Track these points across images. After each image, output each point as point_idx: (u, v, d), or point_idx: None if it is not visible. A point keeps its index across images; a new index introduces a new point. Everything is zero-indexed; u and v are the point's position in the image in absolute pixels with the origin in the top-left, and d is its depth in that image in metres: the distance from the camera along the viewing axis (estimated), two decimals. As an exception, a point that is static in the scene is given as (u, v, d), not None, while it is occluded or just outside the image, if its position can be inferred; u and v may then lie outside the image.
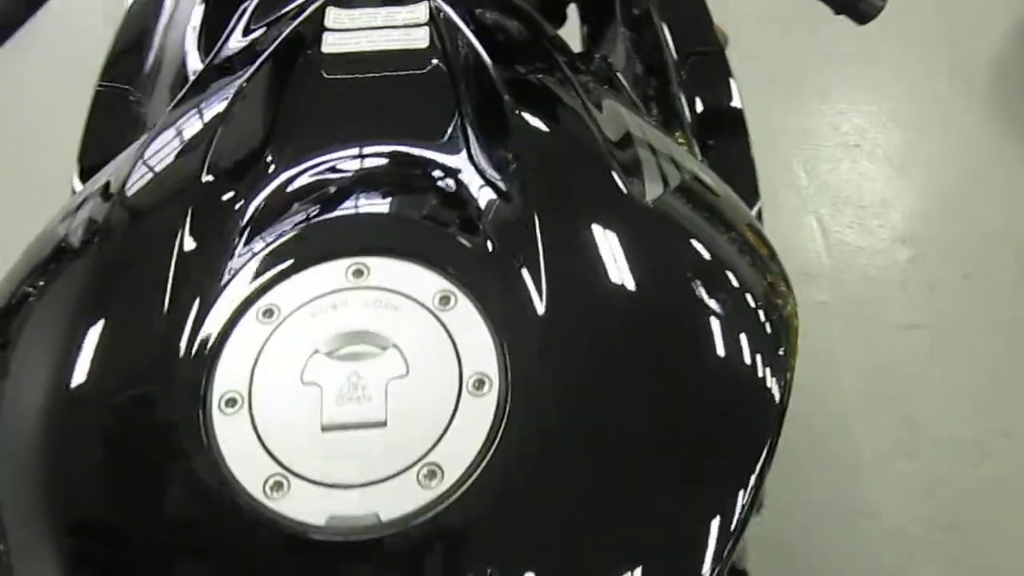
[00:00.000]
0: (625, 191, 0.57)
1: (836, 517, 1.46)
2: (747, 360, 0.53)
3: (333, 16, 0.69)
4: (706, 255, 0.56)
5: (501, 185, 0.57)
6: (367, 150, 0.60)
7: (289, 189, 0.58)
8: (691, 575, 0.47)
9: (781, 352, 0.54)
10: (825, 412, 1.57)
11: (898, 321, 1.71)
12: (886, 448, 1.54)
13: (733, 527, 0.48)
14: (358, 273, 0.52)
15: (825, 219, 1.88)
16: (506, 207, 0.56)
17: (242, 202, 0.57)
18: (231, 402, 0.48)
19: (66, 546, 0.48)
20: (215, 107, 0.64)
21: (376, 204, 0.57)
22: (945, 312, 1.72)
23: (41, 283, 0.56)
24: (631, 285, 0.53)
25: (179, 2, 0.96)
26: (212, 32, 0.86)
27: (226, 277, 0.53)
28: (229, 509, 0.46)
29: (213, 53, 0.74)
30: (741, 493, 0.49)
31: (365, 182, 0.58)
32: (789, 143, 2.01)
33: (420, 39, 0.67)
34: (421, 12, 0.69)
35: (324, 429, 0.47)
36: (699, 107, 0.90)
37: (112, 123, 0.88)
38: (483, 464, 0.46)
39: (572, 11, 1.05)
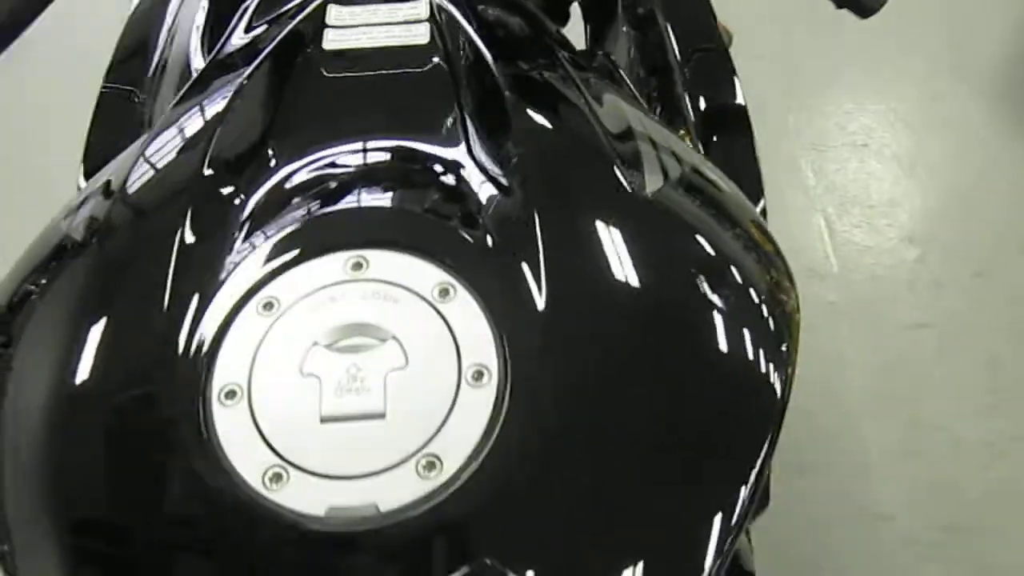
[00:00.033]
0: (626, 185, 0.57)
1: (843, 516, 1.46)
2: (749, 355, 0.53)
3: (334, 13, 0.69)
4: (708, 249, 0.56)
5: (501, 179, 0.57)
6: (367, 145, 0.60)
7: (289, 184, 0.58)
8: (691, 569, 0.47)
9: (784, 348, 0.54)
10: (833, 411, 1.56)
11: (906, 320, 1.70)
12: (894, 448, 1.53)
13: (734, 521, 0.47)
14: (357, 266, 0.52)
15: (832, 219, 1.87)
16: (506, 201, 0.56)
17: (242, 197, 0.57)
18: (231, 394, 0.48)
19: (67, 537, 0.48)
20: (216, 104, 0.64)
21: (376, 198, 0.57)
22: (953, 311, 1.71)
23: (43, 281, 0.57)
24: (632, 279, 0.53)
25: (184, 3, 0.96)
26: (216, 32, 0.87)
27: (226, 271, 0.53)
28: (228, 501, 0.46)
29: (215, 51, 0.75)
30: (742, 487, 0.48)
31: (365, 177, 0.58)
32: (796, 143, 2.01)
33: (421, 35, 0.67)
34: (422, 8, 0.69)
35: (323, 421, 0.47)
36: (702, 105, 0.90)
37: (116, 124, 0.88)
38: (482, 455, 0.46)
39: (575, 10, 1.05)
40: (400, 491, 0.45)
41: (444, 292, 0.51)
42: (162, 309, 0.52)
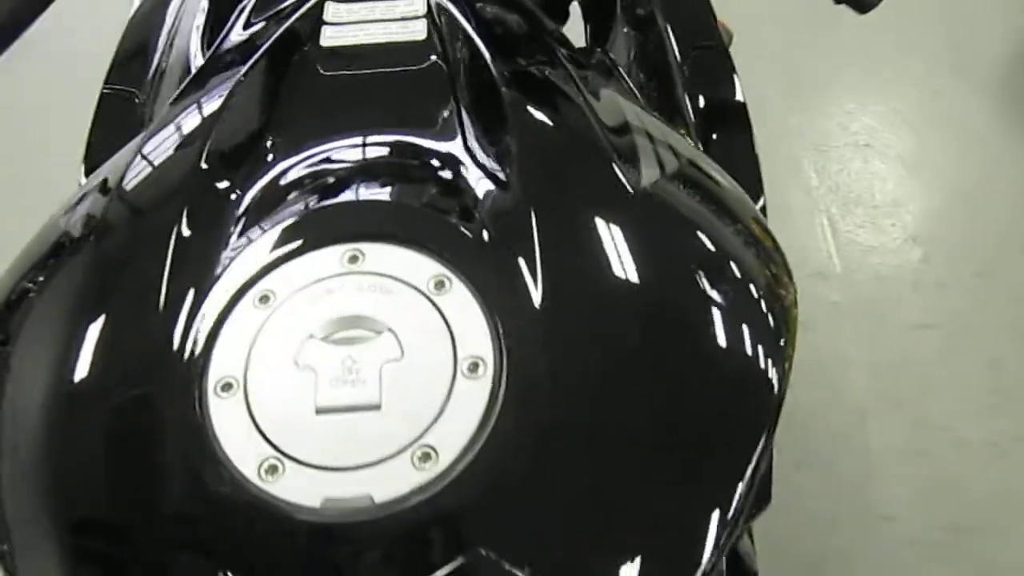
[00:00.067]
0: (623, 179, 0.57)
1: (847, 516, 1.46)
2: (748, 348, 0.52)
3: (332, 10, 0.70)
4: (705, 243, 0.56)
5: (498, 173, 0.57)
6: (363, 140, 0.60)
7: (286, 178, 0.58)
8: (687, 560, 0.47)
9: (782, 342, 0.54)
10: (837, 412, 1.56)
11: (910, 321, 1.70)
12: (897, 448, 1.53)
13: (731, 514, 0.47)
14: (353, 259, 0.53)
15: (836, 219, 1.87)
16: (503, 195, 0.56)
17: (239, 192, 0.57)
18: (227, 386, 0.49)
19: (64, 529, 0.48)
20: (213, 101, 0.64)
21: (372, 192, 0.57)
22: (957, 311, 1.71)
23: (40, 278, 0.57)
24: (628, 272, 0.53)
25: (184, 5, 0.97)
26: (216, 33, 0.87)
27: (222, 264, 0.53)
28: (224, 492, 0.46)
29: (213, 49, 0.75)
30: (739, 479, 0.48)
31: (361, 171, 0.58)
32: (799, 143, 2.01)
33: (418, 31, 0.67)
34: (419, 5, 0.70)
35: (319, 412, 0.47)
36: (702, 103, 0.90)
37: (117, 125, 0.88)
38: (477, 446, 0.46)
39: (575, 10, 1.06)
40: (395, 482, 0.45)
41: (440, 284, 0.51)
42: (159, 304, 0.52)
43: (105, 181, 0.62)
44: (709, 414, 0.51)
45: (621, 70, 0.90)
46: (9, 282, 0.58)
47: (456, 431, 0.46)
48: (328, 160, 0.59)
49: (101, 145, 0.87)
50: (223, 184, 0.58)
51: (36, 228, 0.64)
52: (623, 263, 0.53)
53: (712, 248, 0.56)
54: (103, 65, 0.94)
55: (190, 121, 0.64)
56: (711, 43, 0.95)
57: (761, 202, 0.84)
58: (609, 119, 0.63)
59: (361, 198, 0.57)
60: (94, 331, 0.52)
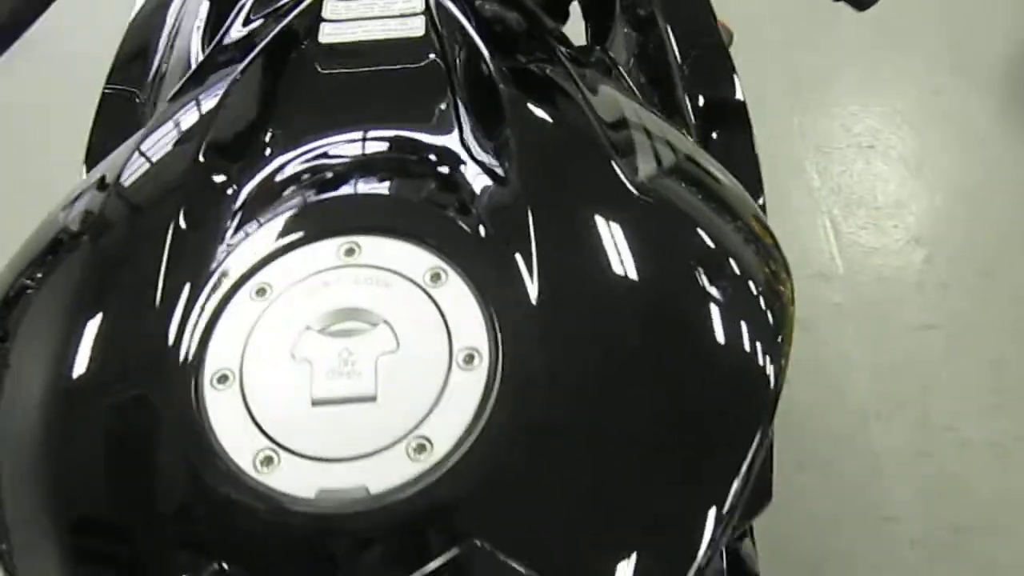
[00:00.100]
0: (621, 175, 0.57)
1: (849, 517, 1.45)
2: (745, 344, 0.52)
3: (330, 7, 0.70)
4: (703, 238, 0.56)
5: (496, 169, 0.57)
6: (361, 135, 0.60)
7: (283, 173, 0.58)
8: (682, 554, 0.47)
9: (779, 339, 0.54)
10: (839, 412, 1.56)
11: (913, 322, 1.70)
12: (900, 448, 1.53)
13: (727, 508, 0.47)
14: (350, 252, 0.53)
15: (838, 220, 1.87)
16: (500, 190, 0.56)
17: (236, 186, 0.58)
18: (223, 378, 0.49)
19: (63, 522, 0.49)
20: (211, 97, 0.65)
21: (369, 186, 0.58)
22: (960, 312, 1.71)
23: (39, 274, 0.57)
24: (625, 267, 0.53)
25: (185, 6, 0.97)
26: (216, 30, 0.87)
27: (219, 258, 0.54)
28: (220, 484, 0.46)
29: (212, 46, 0.75)
30: (734, 475, 0.48)
31: (359, 165, 0.59)
32: (800, 144, 2.01)
33: (416, 28, 0.68)
34: (417, 2, 0.70)
35: (314, 404, 0.48)
36: (702, 103, 0.90)
37: (118, 125, 0.88)
38: (472, 438, 0.46)
39: (575, 9, 1.06)
40: (391, 473, 0.45)
41: (436, 277, 0.51)
42: (156, 297, 0.52)
43: (103, 177, 0.62)
44: (705, 408, 0.51)
45: (620, 68, 0.90)
46: (8, 278, 0.58)
47: (451, 423, 0.47)
48: (325, 155, 0.59)
49: (102, 146, 0.87)
50: (220, 178, 0.58)
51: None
52: (620, 258, 0.53)
53: (710, 244, 0.56)
54: (103, 65, 0.94)
55: (188, 117, 0.64)
56: (711, 43, 0.95)
57: (761, 200, 0.84)
58: (607, 115, 0.63)
59: (358, 192, 0.57)
60: (92, 326, 0.52)
